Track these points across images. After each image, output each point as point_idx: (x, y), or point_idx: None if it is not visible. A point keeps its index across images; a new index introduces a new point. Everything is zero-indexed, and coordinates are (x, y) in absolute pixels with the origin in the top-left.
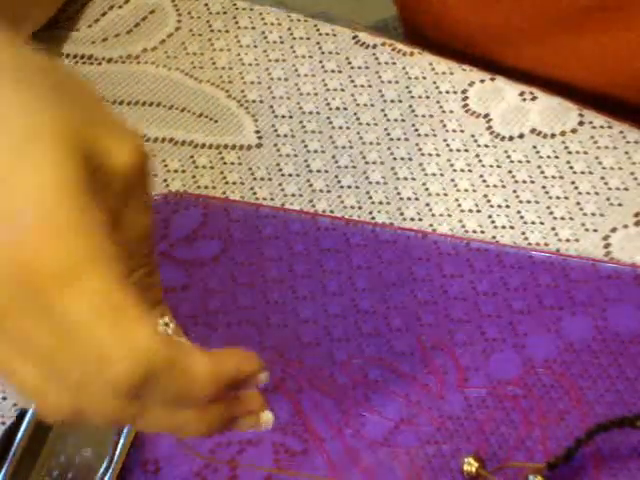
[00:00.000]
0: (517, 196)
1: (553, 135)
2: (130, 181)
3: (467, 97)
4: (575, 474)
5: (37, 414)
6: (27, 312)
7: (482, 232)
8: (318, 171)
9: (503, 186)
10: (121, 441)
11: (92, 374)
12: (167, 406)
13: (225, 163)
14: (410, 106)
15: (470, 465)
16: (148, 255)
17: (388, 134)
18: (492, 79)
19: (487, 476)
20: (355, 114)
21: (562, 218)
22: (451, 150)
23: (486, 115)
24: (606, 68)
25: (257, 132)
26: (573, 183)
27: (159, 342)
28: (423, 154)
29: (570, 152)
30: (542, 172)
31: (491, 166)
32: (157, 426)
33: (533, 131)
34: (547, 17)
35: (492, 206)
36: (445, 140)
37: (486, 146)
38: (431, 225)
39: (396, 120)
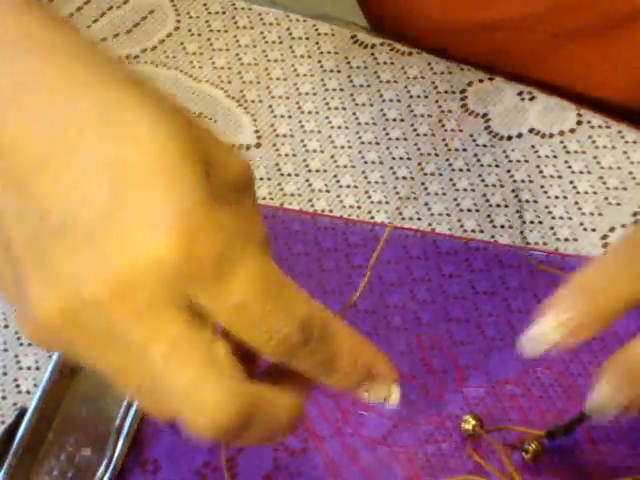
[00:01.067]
0: (516, 196)
1: (551, 135)
2: (241, 189)
3: (466, 97)
4: (570, 447)
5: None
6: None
7: (481, 231)
8: (317, 171)
9: (502, 186)
10: (121, 440)
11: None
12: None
13: None
14: (409, 106)
15: (468, 423)
16: None
17: (387, 134)
18: (490, 79)
19: (483, 435)
20: (354, 114)
21: (561, 217)
22: (449, 150)
23: (485, 115)
24: (603, 78)
25: (256, 132)
26: (571, 183)
27: (304, 315)
28: (422, 154)
29: (568, 152)
30: (540, 172)
31: (490, 166)
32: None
33: (531, 131)
34: (540, 40)
35: (491, 206)
36: (443, 140)
37: (485, 146)
38: (430, 224)
39: (395, 120)
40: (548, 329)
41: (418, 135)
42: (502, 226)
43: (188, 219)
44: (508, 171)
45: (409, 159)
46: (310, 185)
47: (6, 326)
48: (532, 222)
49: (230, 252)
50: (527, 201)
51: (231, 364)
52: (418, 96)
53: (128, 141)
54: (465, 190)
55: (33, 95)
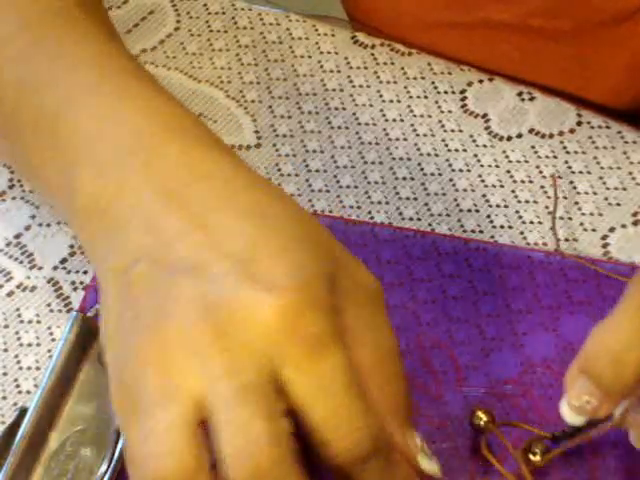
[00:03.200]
0: (515, 196)
1: (551, 135)
2: (371, 302)
3: (465, 97)
4: (574, 450)
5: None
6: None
7: (481, 232)
8: (317, 171)
9: (501, 186)
10: (121, 440)
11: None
12: None
13: None
14: (408, 106)
15: (479, 419)
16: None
17: (387, 134)
18: (490, 79)
19: (495, 430)
20: (354, 114)
21: (560, 218)
22: (449, 150)
23: (484, 115)
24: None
25: (256, 132)
26: (571, 183)
27: (378, 429)
28: (422, 154)
29: (568, 152)
30: (540, 172)
31: (489, 166)
32: None
33: (531, 131)
34: (523, 42)
35: (490, 206)
36: (443, 140)
37: (484, 146)
38: (430, 225)
39: (395, 120)
40: (568, 415)
41: (418, 135)
42: (502, 226)
43: (303, 291)
44: (508, 171)
45: (409, 159)
46: (310, 185)
47: (6, 326)
48: (532, 222)
49: (330, 337)
50: (527, 201)
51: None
52: (418, 96)
53: (265, 226)
54: (465, 190)
55: None
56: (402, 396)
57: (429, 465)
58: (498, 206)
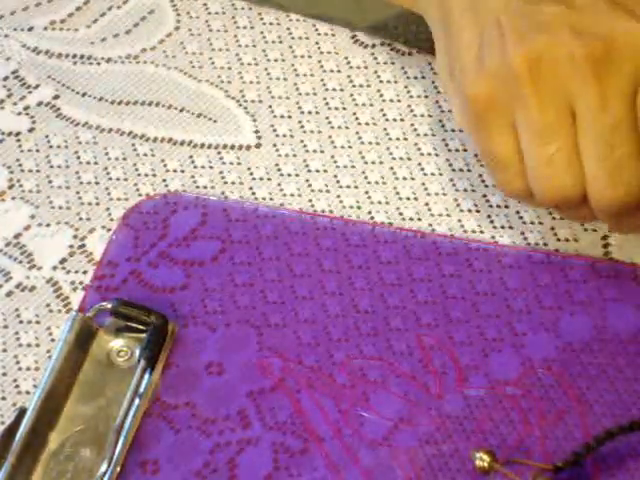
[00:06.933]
0: None
1: None
2: None
3: None
4: (575, 473)
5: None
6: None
7: (481, 232)
8: (317, 171)
9: None
10: (120, 441)
11: None
12: None
13: (224, 163)
14: (409, 106)
15: (482, 460)
16: None
17: (387, 134)
18: None
19: (501, 469)
20: (354, 114)
21: (561, 218)
22: (449, 150)
23: None
24: None
25: (256, 132)
26: None
27: None
28: (422, 154)
29: None
30: None
31: None
32: None
33: None
34: None
35: (491, 206)
36: (444, 140)
37: None
38: (430, 225)
39: (395, 120)
40: None
41: (418, 135)
42: (502, 227)
43: None
44: None
45: (409, 159)
46: (310, 185)
47: (5, 326)
48: (532, 222)
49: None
50: None
51: None
52: (418, 96)
53: None
54: (465, 190)
55: None
56: None
57: None
58: (499, 206)
